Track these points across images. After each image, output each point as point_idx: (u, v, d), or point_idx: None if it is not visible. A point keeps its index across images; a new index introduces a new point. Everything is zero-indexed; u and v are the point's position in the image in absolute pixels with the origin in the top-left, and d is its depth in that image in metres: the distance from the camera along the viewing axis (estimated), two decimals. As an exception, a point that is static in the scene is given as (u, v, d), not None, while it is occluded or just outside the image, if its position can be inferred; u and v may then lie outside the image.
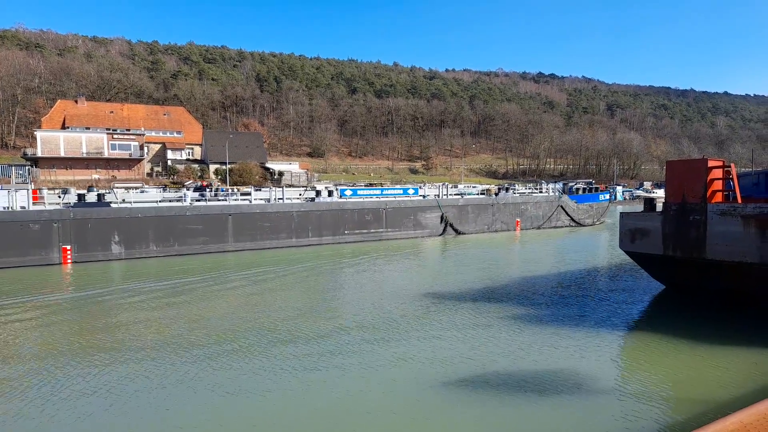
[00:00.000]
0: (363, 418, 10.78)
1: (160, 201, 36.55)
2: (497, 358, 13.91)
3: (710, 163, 18.57)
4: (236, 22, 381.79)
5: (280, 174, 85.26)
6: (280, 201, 39.44)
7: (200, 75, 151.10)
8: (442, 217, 44.63)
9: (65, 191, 37.94)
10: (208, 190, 45.76)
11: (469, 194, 51.25)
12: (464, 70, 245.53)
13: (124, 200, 35.54)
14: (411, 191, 47.72)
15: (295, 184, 76.66)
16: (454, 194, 50.08)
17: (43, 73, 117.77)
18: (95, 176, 75.59)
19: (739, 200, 18.50)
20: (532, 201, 50.74)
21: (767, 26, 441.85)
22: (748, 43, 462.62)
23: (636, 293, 21.67)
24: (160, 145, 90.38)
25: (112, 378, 12.83)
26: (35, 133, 78.22)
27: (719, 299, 19.17)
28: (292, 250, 35.46)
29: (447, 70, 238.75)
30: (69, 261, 30.05)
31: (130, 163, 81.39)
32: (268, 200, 39.47)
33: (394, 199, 44.56)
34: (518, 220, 49.20)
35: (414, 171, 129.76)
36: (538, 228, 49.89)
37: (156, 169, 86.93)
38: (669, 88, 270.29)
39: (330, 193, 43.58)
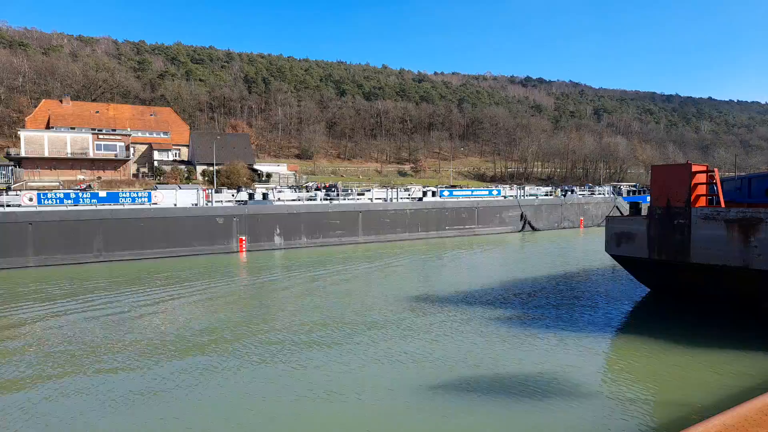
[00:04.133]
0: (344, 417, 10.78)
1: (306, 200, 42.62)
2: (490, 360, 13.95)
3: (694, 168, 18.79)
4: (224, 22, 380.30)
5: (268, 175, 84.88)
6: (395, 201, 44.88)
7: (187, 75, 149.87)
8: (521, 216, 50.09)
9: (239, 189, 45.94)
10: (333, 190, 51.52)
11: (539, 195, 57.70)
12: (453, 74, 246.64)
13: (279, 199, 41.49)
14: (495, 192, 54.46)
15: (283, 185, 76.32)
16: (529, 195, 56.33)
17: (27, 72, 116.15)
18: (80, 177, 74.67)
19: (723, 205, 18.73)
20: (593, 201, 56.60)
21: (751, 33, 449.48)
22: (732, 50, 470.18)
23: (626, 296, 21.85)
24: (147, 145, 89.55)
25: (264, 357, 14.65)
26: (19, 132, 77.08)
27: (703, 302, 19.38)
28: (406, 243, 41.01)
29: (436, 73, 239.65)
30: (244, 250, 35.29)
31: (115, 163, 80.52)
32: (385, 199, 44.88)
33: (483, 199, 50.55)
34: (582, 218, 54.32)
35: (403, 173, 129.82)
36: (599, 225, 54.10)
37: (142, 169, 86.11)
38: (654, 93, 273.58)
39: (433, 194, 49.39)
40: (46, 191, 36.83)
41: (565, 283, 24.85)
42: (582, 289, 23.74)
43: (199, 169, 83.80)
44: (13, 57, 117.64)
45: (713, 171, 19.00)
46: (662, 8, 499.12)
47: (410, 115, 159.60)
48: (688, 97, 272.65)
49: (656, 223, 19.50)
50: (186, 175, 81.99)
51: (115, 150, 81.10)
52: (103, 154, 79.74)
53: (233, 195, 40.29)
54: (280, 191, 47.73)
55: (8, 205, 31.55)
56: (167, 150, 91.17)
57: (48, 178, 71.54)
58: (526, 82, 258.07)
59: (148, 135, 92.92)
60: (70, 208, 32.09)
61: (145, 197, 35.14)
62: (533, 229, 50.21)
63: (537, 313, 19.06)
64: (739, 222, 17.07)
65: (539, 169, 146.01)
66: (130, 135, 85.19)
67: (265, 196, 41.01)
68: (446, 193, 50.35)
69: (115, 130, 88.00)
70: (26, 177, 70.48)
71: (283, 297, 22.57)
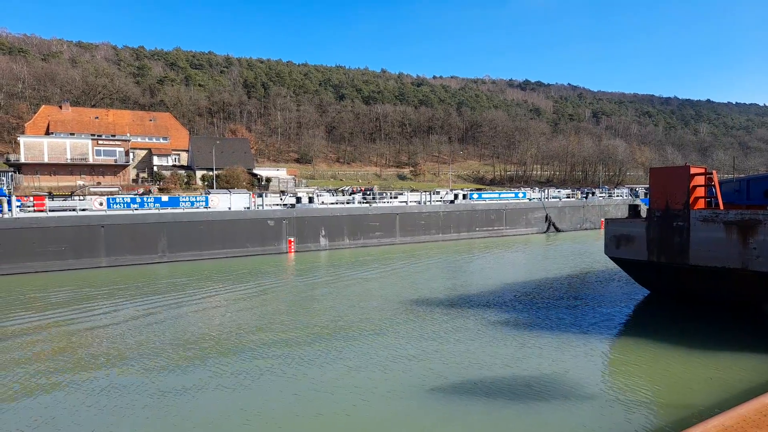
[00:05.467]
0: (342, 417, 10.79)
1: (346, 203, 44.83)
2: (491, 361, 13.98)
3: (693, 170, 18.85)
4: (223, 28, 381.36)
5: (268, 180, 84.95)
6: (430, 203, 46.83)
7: (187, 81, 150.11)
8: (546, 217, 52.03)
9: (283, 193, 48.15)
10: (369, 194, 53.32)
11: (562, 198, 59.55)
12: (451, 77, 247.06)
13: (323, 202, 43.63)
14: (521, 195, 56.44)
15: (282, 189, 76.32)
16: (553, 198, 58.30)
17: (26, 78, 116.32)
18: (80, 182, 74.73)
19: (721, 207, 18.79)
20: (613, 203, 58.12)
21: (749, 36, 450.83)
22: (731, 52, 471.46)
23: (626, 298, 21.88)
24: (146, 151, 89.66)
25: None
26: (18, 138, 77.21)
27: (702, 304, 19.41)
28: (439, 243, 42.93)
29: (434, 77, 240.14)
30: (293, 250, 37.06)
31: (115, 169, 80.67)
32: (419, 202, 46.65)
33: (510, 201, 52.60)
34: (602, 219, 55.51)
35: (402, 177, 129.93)
36: None
37: (142, 175, 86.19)
38: (653, 95, 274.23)
39: (464, 197, 51.26)
40: (114, 195, 39.78)
41: (570, 285, 24.87)
42: (585, 290, 23.76)
43: (199, 174, 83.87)
44: (12, 63, 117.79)
45: (712, 173, 19.07)
46: (660, 11, 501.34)
47: (409, 119, 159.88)
48: (686, 99, 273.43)
49: (655, 226, 19.55)
50: (186, 180, 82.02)
51: (115, 155, 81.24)
52: (102, 159, 79.88)
53: (281, 198, 42.85)
54: (320, 195, 49.43)
55: (81, 209, 33.22)
56: (167, 155, 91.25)
57: (47, 184, 71.58)
58: (525, 85, 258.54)
59: (147, 140, 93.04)
60: (136, 211, 33.99)
61: (202, 201, 37.11)
62: (557, 230, 51.85)
63: (539, 314, 19.08)
64: (737, 224, 17.13)
65: (538, 172, 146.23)
66: (129, 140, 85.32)
67: (311, 199, 43.01)
68: (475, 196, 52.32)
69: (114, 136, 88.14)
70: (26, 183, 70.53)
71: (328, 298, 22.93)
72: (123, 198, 35.66)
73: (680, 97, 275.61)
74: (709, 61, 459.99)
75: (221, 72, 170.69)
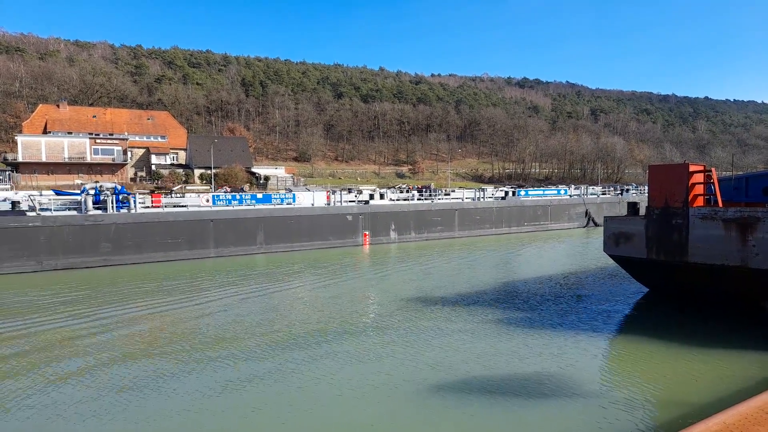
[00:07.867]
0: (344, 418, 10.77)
1: (412, 200, 47.61)
2: (490, 359, 13.96)
3: (691, 168, 18.83)
4: (221, 26, 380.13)
5: (266, 178, 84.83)
6: (483, 200, 50.06)
7: (185, 79, 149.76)
8: (586, 212, 55.30)
9: (350, 191, 52.74)
10: (426, 191, 56.26)
11: (599, 195, 62.63)
12: (450, 75, 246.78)
13: (391, 199, 46.66)
14: (562, 191, 59.89)
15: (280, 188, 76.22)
16: (591, 194, 61.38)
17: (24, 77, 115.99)
18: (78, 181, 74.54)
19: (720, 204, 18.77)
20: (646, 199, 60.61)
21: (747, 33, 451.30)
22: (729, 50, 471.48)
23: (629, 295, 21.87)
24: (144, 149, 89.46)
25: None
26: (16, 137, 77.00)
27: (701, 302, 19.41)
28: (491, 237, 46.20)
29: (433, 75, 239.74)
30: (367, 243, 40.10)
31: (113, 167, 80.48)
32: (473, 199, 49.70)
33: (554, 197, 56.01)
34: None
35: (401, 175, 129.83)
36: None
37: (140, 173, 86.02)
38: (651, 93, 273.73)
39: (514, 194, 54.23)
40: (217, 193, 43.51)
41: (577, 281, 24.83)
42: (588, 287, 23.72)
43: (197, 172, 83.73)
44: (9, 62, 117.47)
45: (711, 170, 19.04)
46: (658, 9, 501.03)
47: (408, 117, 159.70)
48: (684, 96, 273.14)
49: (654, 223, 19.53)
50: (184, 178, 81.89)
51: (113, 154, 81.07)
52: (100, 158, 79.70)
53: (356, 196, 45.94)
54: (383, 193, 52.32)
55: (188, 206, 36.61)
56: (165, 154, 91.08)
57: (45, 183, 71.37)
58: (523, 83, 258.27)
59: (145, 139, 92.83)
60: (237, 207, 37.27)
61: (290, 198, 40.36)
62: (595, 224, 54.12)
63: (538, 311, 19.07)
64: (736, 221, 17.11)
65: (537, 170, 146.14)
66: (127, 139, 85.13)
67: (382, 196, 46.59)
68: (523, 192, 55.38)
69: (112, 135, 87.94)
70: (23, 182, 70.35)
71: (402, 287, 24.43)
72: (225, 195, 39.45)
73: (678, 95, 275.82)
74: (707, 58, 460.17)
75: (219, 70, 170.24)
